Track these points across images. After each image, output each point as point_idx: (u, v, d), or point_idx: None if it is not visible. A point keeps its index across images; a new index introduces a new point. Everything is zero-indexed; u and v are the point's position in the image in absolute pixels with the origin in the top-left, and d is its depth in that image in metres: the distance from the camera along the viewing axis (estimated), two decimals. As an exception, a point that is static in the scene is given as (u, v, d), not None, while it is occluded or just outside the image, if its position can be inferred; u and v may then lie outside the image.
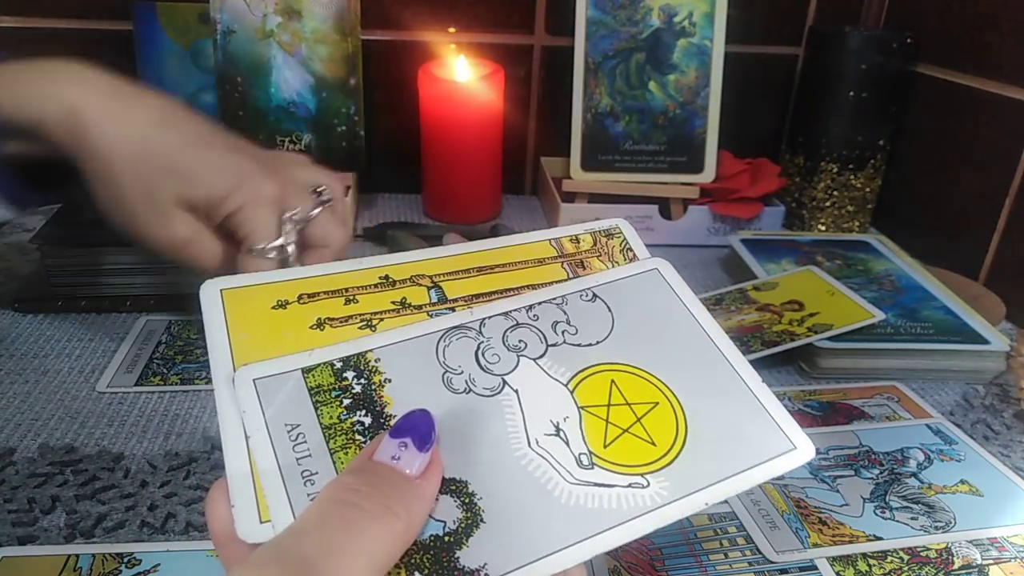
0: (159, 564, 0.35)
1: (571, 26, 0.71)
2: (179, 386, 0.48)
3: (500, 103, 0.73)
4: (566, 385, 0.27)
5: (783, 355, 0.53)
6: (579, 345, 0.28)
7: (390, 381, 0.26)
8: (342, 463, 0.24)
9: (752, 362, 0.51)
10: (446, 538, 0.22)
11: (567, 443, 0.25)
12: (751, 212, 0.73)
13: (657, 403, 0.27)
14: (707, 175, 0.72)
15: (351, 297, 0.28)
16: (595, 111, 0.72)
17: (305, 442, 0.24)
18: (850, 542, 0.38)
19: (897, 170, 0.77)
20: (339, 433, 0.24)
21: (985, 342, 0.54)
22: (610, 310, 0.30)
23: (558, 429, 0.26)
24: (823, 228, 0.76)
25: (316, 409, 0.25)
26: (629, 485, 0.24)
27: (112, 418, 0.45)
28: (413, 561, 0.22)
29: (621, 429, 0.26)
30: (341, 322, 0.28)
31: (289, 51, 0.69)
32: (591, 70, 0.71)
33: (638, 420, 0.26)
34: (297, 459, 0.23)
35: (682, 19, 0.71)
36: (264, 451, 0.24)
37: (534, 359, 0.27)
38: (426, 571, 0.22)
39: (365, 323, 0.28)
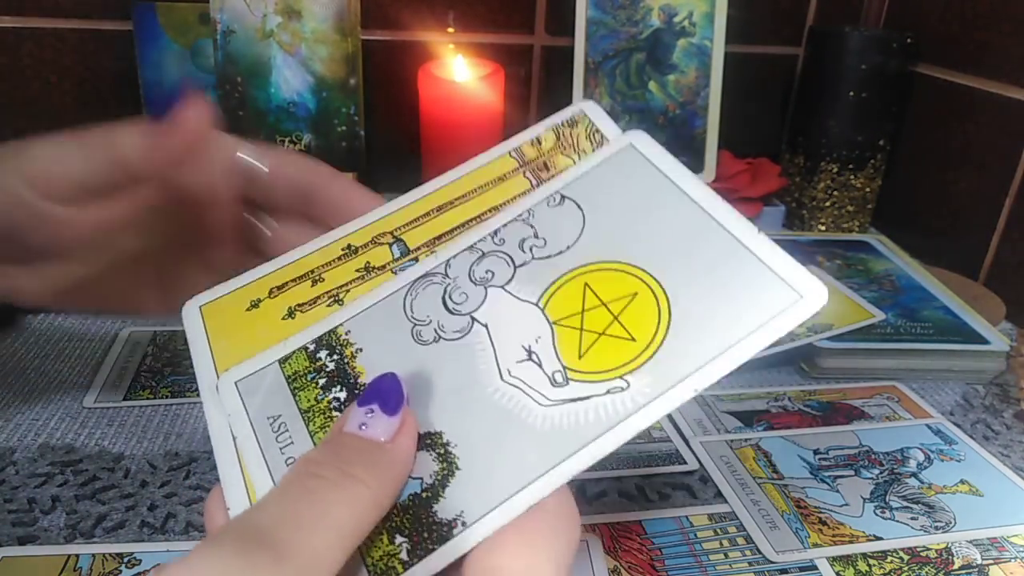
0: (159, 564, 0.34)
1: (571, 26, 0.71)
2: (170, 399, 0.47)
3: (500, 103, 0.73)
4: (536, 304, 0.25)
5: (783, 355, 0.53)
6: (548, 257, 0.25)
7: (361, 350, 0.25)
8: None
9: (752, 362, 0.51)
10: (424, 495, 0.22)
11: (540, 364, 0.23)
12: (751, 212, 0.73)
13: (636, 293, 0.24)
14: (707, 175, 0.72)
15: (317, 277, 0.28)
16: (595, 111, 0.72)
17: (287, 431, 0.24)
18: (850, 542, 0.38)
19: (897, 170, 0.77)
20: (317, 414, 0.24)
21: (985, 342, 0.54)
22: (580, 208, 0.26)
23: (530, 353, 0.24)
24: (823, 228, 0.76)
25: (294, 395, 0.25)
26: (607, 392, 0.22)
27: (112, 418, 0.45)
28: (394, 524, 0.21)
29: (597, 333, 0.23)
30: (310, 305, 0.27)
31: (289, 51, 0.69)
32: (591, 70, 0.71)
33: (615, 319, 0.23)
34: (281, 449, 0.23)
35: (682, 19, 0.71)
36: (251, 449, 0.23)
37: (502, 286, 0.25)
38: (407, 532, 0.21)
39: (332, 299, 0.27)
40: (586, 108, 0.30)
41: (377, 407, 0.22)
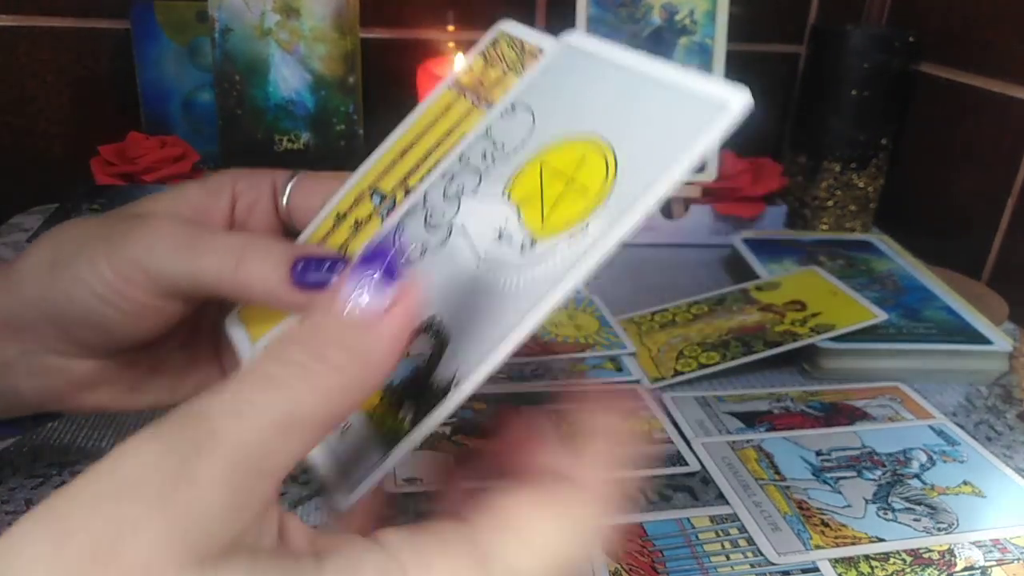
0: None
1: (571, 24, 0.71)
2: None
3: (500, 102, 0.72)
4: (502, 194, 0.27)
5: (785, 355, 0.52)
6: (507, 156, 0.28)
7: None
8: None
9: (754, 363, 0.51)
10: (424, 367, 0.24)
11: (510, 240, 0.26)
12: (753, 211, 0.72)
13: (585, 155, 0.26)
14: (709, 174, 0.72)
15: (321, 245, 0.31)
16: (596, 110, 0.71)
17: None
18: (852, 544, 0.38)
19: (899, 169, 0.77)
20: None
21: (988, 342, 0.53)
22: (530, 109, 0.29)
23: (500, 234, 0.26)
24: (825, 228, 0.76)
25: None
26: (570, 238, 0.24)
27: (110, 417, 0.45)
28: (398, 398, 0.24)
29: (555, 199, 0.26)
30: None
31: (287, 49, 0.68)
32: (592, 68, 0.71)
33: (569, 180, 0.26)
34: None
35: (683, 17, 0.71)
36: None
37: (471, 192, 0.28)
38: (412, 402, 0.24)
39: None
40: (503, 27, 0.33)
41: (377, 274, 0.20)
